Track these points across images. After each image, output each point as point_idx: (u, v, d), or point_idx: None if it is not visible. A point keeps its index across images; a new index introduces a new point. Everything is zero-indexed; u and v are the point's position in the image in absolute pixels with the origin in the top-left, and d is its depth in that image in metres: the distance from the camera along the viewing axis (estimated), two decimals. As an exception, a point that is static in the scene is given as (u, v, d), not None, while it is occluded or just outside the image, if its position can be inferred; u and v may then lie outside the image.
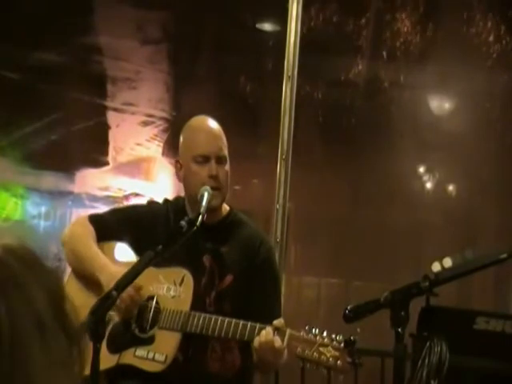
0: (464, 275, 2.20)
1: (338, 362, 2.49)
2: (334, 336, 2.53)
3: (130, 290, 2.67)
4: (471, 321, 2.37)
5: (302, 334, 2.56)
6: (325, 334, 2.54)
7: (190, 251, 2.81)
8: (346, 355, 2.48)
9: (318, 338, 2.53)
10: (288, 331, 2.58)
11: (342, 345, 2.49)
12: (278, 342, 2.57)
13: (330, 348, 2.50)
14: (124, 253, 2.96)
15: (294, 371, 3.62)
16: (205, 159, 2.85)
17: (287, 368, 2.74)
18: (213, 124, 2.94)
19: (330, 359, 2.49)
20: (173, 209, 2.98)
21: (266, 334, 2.60)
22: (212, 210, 2.77)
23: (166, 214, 2.96)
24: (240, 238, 2.93)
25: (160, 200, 3.11)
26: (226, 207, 2.98)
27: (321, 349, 2.51)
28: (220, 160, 2.86)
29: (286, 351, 2.61)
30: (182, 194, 3.03)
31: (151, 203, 3.18)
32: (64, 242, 3.01)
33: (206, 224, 2.74)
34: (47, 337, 0.92)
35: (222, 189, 2.86)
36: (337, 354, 2.49)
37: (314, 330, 2.55)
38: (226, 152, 2.89)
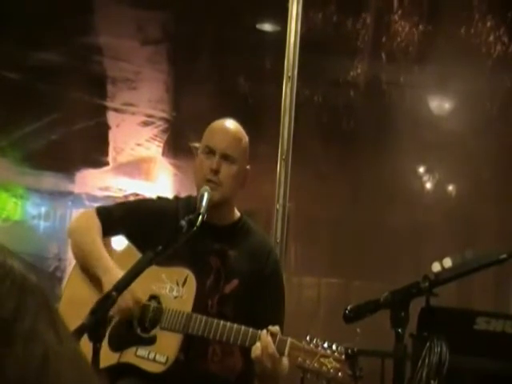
0: (464, 275, 2.20)
1: (339, 373, 2.47)
2: (335, 347, 2.51)
3: (128, 301, 2.68)
4: (471, 321, 2.37)
5: (303, 343, 2.54)
6: (326, 344, 2.52)
7: (198, 251, 2.80)
8: (346, 367, 2.46)
9: (319, 348, 2.51)
10: (289, 340, 2.56)
11: (343, 356, 2.48)
12: (271, 347, 2.55)
13: (331, 359, 2.48)
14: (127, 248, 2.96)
15: (294, 380, 3.61)
16: (211, 151, 2.85)
17: (287, 376, 2.72)
18: (234, 127, 2.93)
19: (331, 370, 2.47)
20: (183, 207, 2.95)
21: (262, 339, 2.59)
22: (212, 206, 2.71)
23: (175, 211, 2.94)
24: (249, 245, 2.92)
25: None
26: (236, 212, 2.96)
27: (322, 360, 2.49)
28: (226, 158, 2.85)
29: (287, 361, 2.59)
30: (182, 194, 3.03)
31: (161, 199, 3.12)
32: (70, 232, 3.01)
33: (216, 225, 2.73)
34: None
35: (221, 185, 2.83)
36: (338, 365, 2.47)
37: (315, 340, 2.53)
38: (235, 154, 2.87)
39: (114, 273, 2.75)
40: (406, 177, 6.77)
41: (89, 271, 2.90)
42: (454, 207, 6.66)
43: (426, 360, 2.17)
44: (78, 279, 2.95)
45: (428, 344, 2.19)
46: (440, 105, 6.73)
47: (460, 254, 2.18)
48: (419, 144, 6.42)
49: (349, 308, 2.22)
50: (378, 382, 4.26)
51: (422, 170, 6.88)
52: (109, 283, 2.67)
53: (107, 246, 2.96)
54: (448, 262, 2.16)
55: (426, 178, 6.87)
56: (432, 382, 2.15)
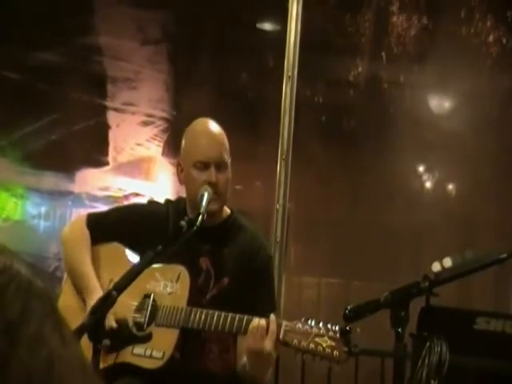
0: (464, 275, 2.20)
1: (335, 351, 2.48)
2: (329, 326, 2.52)
3: (111, 323, 2.69)
4: (471, 321, 2.37)
5: (297, 325, 2.55)
6: (321, 324, 2.53)
7: (188, 252, 2.81)
8: (342, 344, 2.47)
9: (313, 328, 2.52)
10: (284, 323, 2.58)
11: (338, 334, 2.48)
12: (271, 324, 2.56)
13: (326, 338, 2.49)
14: (118, 255, 2.98)
15: (293, 374, 3.61)
16: (204, 165, 2.83)
17: (287, 371, 2.73)
18: (215, 128, 2.90)
19: (327, 349, 2.48)
20: (173, 209, 2.97)
21: (259, 320, 2.59)
22: (210, 214, 2.75)
23: (166, 215, 2.96)
24: (239, 242, 2.92)
25: (161, 200, 3.11)
26: (226, 210, 2.97)
27: (317, 339, 2.50)
28: (220, 166, 2.83)
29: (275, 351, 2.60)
30: (183, 194, 3.03)
31: (152, 203, 3.16)
32: (61, 242, 3.05)
33: (206, 226, 2.74)
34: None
35: (220, 195, 2.84)
36: (333, 343, 2.48)
37: (309, 321, 2.55)
38: (226, 158, 2.86)
39: (96, 296, 2.68)
40: (406, 176, 6.77)
41: (76, 286, 2.93)
42: (453, 207, 6.66)
43: (426, 360, 2.17)
44: (71, 287, 2.97)
45: (428, 344, 2.19)
46: (440, 104, 6.73)
47: (460, 254, 2.18)
48: (419, 144, 6.42)
49: (349, 308, 2.23)
50: (378, 382, 4.25)
51: (421, 169, 6.88)
52: (91, 306, 2.65)
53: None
54: (448, 262, 2.16)
55: (425, 177, 6.87)
56: (432, 381, 2.15)
